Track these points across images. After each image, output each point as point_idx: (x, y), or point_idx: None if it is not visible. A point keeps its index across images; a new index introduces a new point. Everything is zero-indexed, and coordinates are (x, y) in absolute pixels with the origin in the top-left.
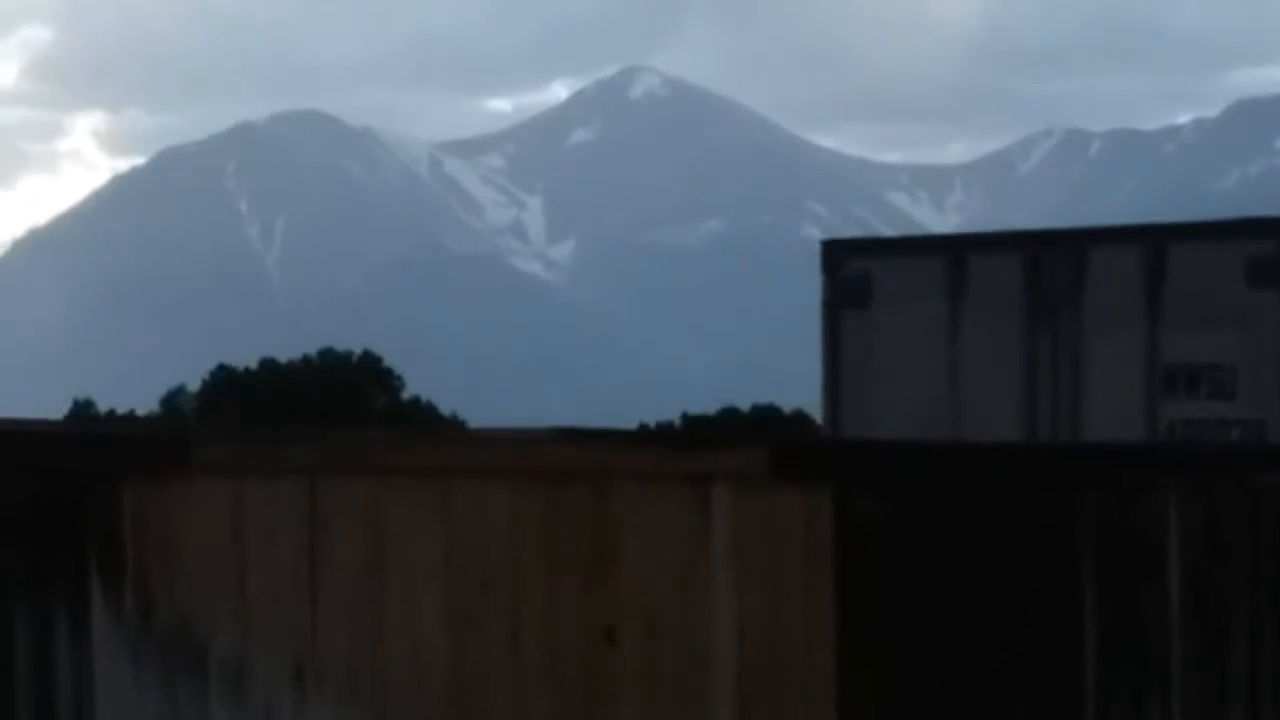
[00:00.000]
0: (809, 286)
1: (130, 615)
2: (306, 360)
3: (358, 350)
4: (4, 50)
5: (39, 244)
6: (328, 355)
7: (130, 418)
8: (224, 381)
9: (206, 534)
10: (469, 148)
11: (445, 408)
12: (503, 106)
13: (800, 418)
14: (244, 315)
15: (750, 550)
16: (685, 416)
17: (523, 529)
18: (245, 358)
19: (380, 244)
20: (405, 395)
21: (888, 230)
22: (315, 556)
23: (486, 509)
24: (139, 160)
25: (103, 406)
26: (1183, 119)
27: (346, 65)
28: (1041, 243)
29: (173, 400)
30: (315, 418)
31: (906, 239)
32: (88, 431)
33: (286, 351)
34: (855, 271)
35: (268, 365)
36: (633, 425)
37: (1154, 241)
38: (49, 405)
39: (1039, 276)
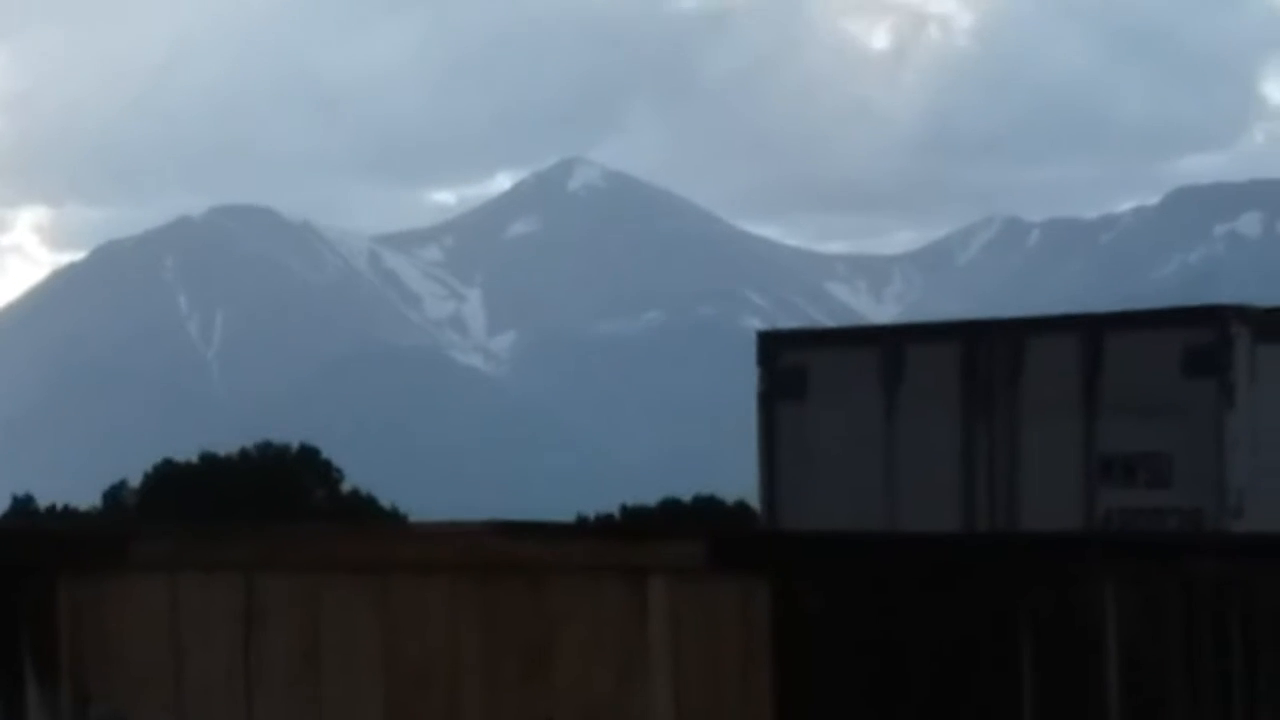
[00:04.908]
0: (748, 377)
1: (66, 710)
2: (244, 454)
3: (296, 443)
4: None
5: None
6: (266, 449)
7: (70, 513)
8: (165, 476)
9: (142, 629)
10: (407, 240)
11: (385, 500)
12: (446, 198)
13: (741, 508)
14: (184, 409)
15: (687, 641)
16: (624, 508)
17: (460, 623)
18: (186, 451)
19: (319, 338)
20: (345, 488)
21: (827, 320)
22: (251, 651)
23: (424, 603)
24: (81, 254)
25: (43, 502)
26: (1122, 207)
27: (287, 158)
28: (978, 332)
29: (115, 495)
30: (255, 512)
31: (842, 330)
32: (23, 528)
33: (227, 445)
34: (791, 363)
35: (207, 459)
36: (572, 517)
37: (1091, 330)
38: None
39: (975, 366)
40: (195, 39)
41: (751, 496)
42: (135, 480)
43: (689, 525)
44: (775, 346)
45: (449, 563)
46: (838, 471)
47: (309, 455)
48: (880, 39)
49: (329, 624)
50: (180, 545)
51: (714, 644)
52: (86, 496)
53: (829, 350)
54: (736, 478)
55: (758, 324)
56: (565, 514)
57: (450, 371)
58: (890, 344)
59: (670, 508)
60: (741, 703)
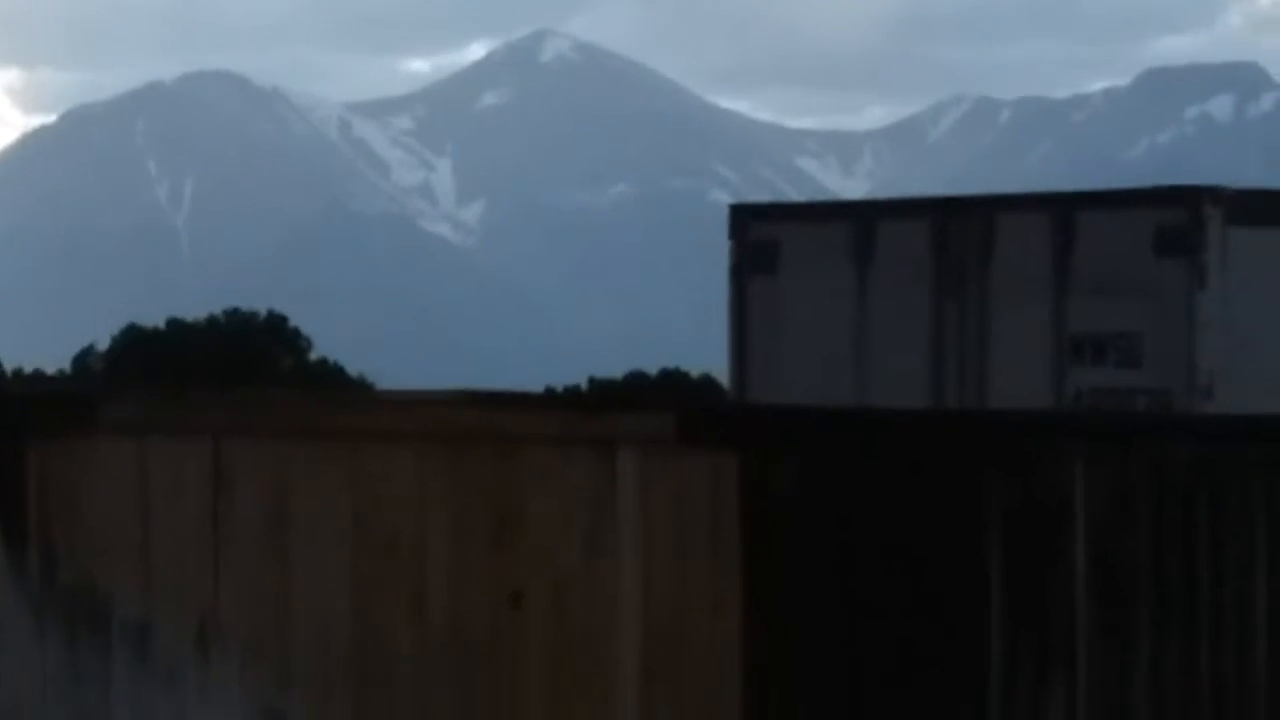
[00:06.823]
0: (717, 251)
1: (33, 573)
2: (212, 320)
3: (264, 311)
4: None
5: None
6: (234, 315)
7: (37, 376)
8: (132, 341)
9: (110, 494)
10: (378, 108)
11: (353, 369)
12: (420, 67)
13: (707, 383)
14: (153, 275)
15: (656, 514)
16: (592, 380)
17: (428, 492)
18: (154, 317)
19: (288, 205)
20: (312, 356)
21: (797, 196)
22: (219, 517)
23: (392, 472)
24: (51, 118)
25: (10, 365)
26: (1094, 88)
27: (260, 25)
28: (949, 209)
29: (83, 360)
30: (221, 379)
31: (814, 204)
32: None
33: (195, 311)
34: (762, 237)
35: (175, 325)
36: (540, 389)
37: (1062, 209)
38: None
39: (946, 243)
40: None
41: (718, 371)
42: (103, 345)
43: (656, 398)
44: (746, 220)
45: (417, 432)
46: (807, 346)
47: (277, 323)
48: None
49: (296, 491)
50: (149, 408)
51: (683, 519)
52: (54, 360)
53: (800, 224)
54: (703, 351)
55: (727, 198)
56: (532, 385)
57: (418, 240)
58: (862, 219)
59: (636, 381)
60: (711, 578)
